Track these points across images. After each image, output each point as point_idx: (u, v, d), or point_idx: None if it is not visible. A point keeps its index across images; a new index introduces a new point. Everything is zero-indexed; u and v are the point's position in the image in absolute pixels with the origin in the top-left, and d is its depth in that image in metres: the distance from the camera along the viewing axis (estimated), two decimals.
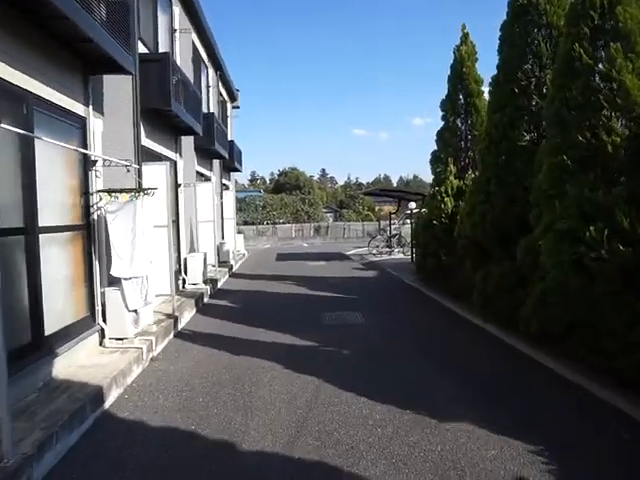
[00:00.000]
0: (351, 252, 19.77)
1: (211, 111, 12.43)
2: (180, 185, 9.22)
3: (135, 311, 5.31)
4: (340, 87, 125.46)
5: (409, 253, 16.21)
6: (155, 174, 6.73)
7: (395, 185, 68.02)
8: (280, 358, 5.28)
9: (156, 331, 5.87)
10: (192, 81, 10.12)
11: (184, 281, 9.27)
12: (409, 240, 17.56)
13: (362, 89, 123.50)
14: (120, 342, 5.22)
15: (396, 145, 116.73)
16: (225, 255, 13.65)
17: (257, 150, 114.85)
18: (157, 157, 7.63)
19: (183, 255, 9.38)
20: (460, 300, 7.94)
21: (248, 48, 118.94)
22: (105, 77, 5.51)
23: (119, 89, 6.06)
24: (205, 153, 12.02)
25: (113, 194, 4.89)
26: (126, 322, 5.18)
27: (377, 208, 50.19)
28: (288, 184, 49.97)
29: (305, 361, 5.21)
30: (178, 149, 9.16)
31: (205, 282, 9.59)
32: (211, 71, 13.55)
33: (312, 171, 73.79)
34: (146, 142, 7.20)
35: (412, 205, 14.53)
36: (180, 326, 6.92)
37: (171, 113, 7.53)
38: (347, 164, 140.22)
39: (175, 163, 9.09)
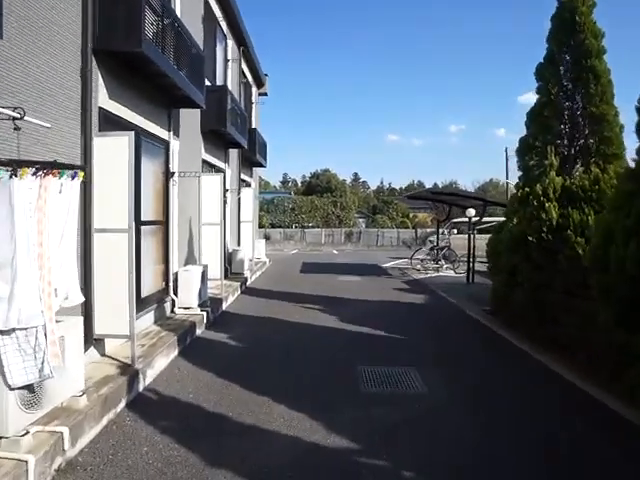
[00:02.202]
0: (388, 265, 17.06)
1: (227, 85, 10.08)
2: (173, 174, 6.87)
3: (29, 387, 2.92)
4: (375, 91, 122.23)
5: (461, 271, 13.44)
6: (115, 152, 4.40)
7: None
8: None
9: (83, 409, 3.46)
10: (202, 46, 7.84)
11: (173, 303, 6.91)
12: (458, 253, 14.79)
13: (397, 94, 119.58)
14: None
15: (430, 152, 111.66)
16: (239, 265, 11.28)
17: (290, 153, 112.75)
18: (132, 130, 5.28)
19: (174, 268, 7.02)
20: (566, 357, 5.26)
21: (282, 51, 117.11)
22: None
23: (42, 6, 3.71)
24: (217, 139, 9.68)
25: None
26: (6, 410, 2.79)
27: (412, 215, 47.02)
28: (319, 186, 47.65)
29: None
30: (172, 126, 6.81)
31: (202, 305, 7.19)
32: (231, 42, 11.25)
33: (344, 175, 71.00)
34: (110, 105, 4.85)
35: (471, 212, 11.75)
36: (143, 384, 4.50)
37: (152, 67, 5.17)
38: (380, 169, 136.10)
39: (167, 144, 6.75)
